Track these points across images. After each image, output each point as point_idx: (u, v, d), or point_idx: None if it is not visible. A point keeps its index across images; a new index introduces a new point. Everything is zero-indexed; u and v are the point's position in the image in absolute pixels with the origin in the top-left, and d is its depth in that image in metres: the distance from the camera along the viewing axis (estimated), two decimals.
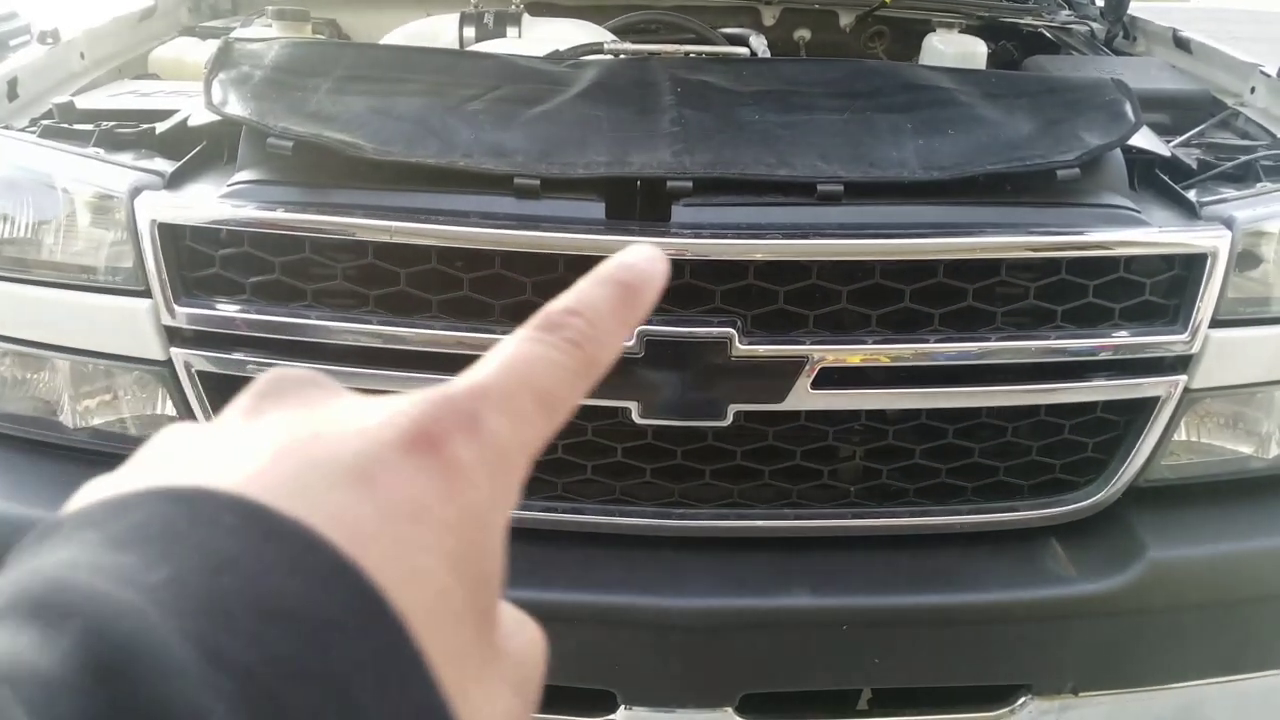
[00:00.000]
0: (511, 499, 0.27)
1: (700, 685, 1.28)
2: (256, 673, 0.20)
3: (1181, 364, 1.29)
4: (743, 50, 1.96)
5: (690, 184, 1.20)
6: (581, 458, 1.26)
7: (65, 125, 1.38)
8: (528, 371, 0.28)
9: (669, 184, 1.20)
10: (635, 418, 1.21)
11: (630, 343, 1.19)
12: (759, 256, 1.18)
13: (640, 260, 0.32)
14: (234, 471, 0.24)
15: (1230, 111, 1.67)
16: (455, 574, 0.24)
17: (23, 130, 1.37)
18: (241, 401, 0.28)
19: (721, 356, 1.19)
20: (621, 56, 1.75)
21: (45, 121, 1.40)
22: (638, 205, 1.23)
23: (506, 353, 0.28)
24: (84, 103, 1.47)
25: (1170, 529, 1.32)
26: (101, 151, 1.31)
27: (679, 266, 1.18)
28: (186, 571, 0.21)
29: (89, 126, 1.36)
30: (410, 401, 0.26)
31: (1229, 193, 1.34)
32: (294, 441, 0.25)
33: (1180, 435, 1.34)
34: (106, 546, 0.21)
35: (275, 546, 0.22)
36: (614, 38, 1.92)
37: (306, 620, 0.21)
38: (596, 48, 1.79)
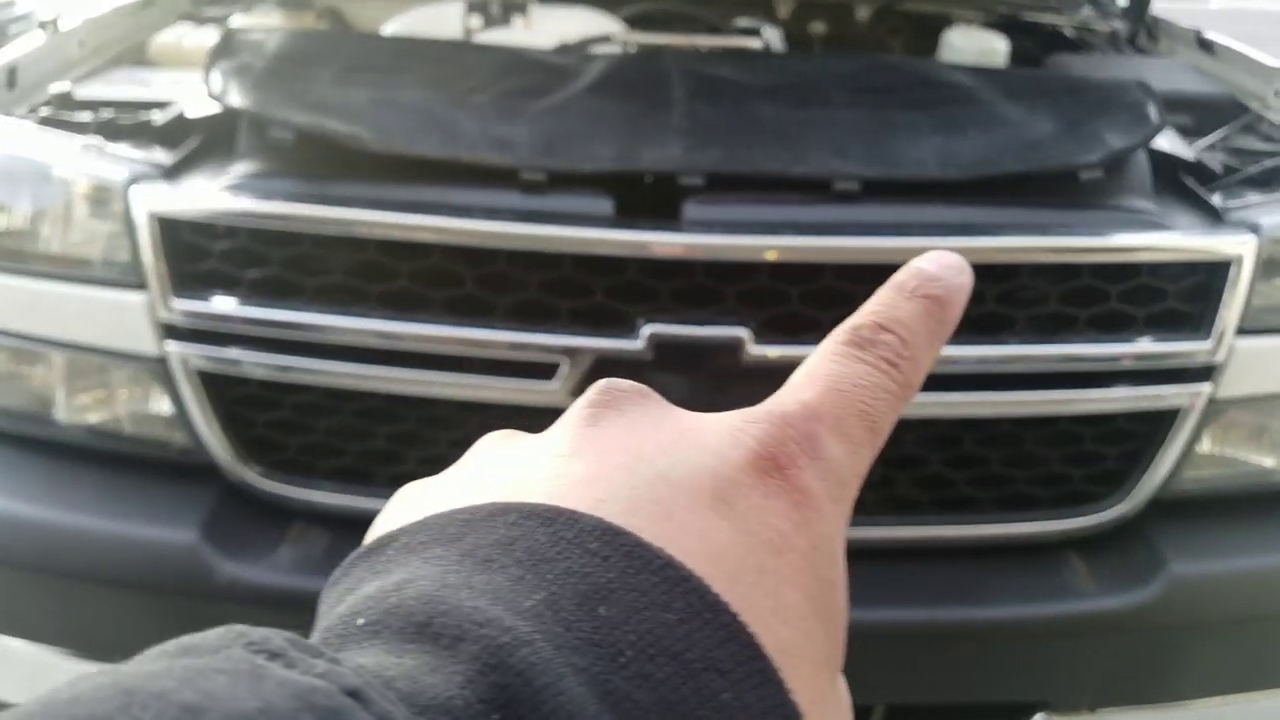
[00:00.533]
0: (845, 528, 0.25)
1: None
2: (648, 717, 0.19)
3: (1205, 373, 1.25)
4: (756, 42, 1.92)
5: (701, 180, 1.17)
6: None
7: (63, 114, 1.35)
8: (854, 393, 0.26)
9: (679, 180, 1.17)
10: None
11: (638, 344, 1.15)
12: (772, 256, 1.15)
13: (947, 271, 0.29)
14: (587, 490, 0.23)
15: (1254, 115, 1.63)
16: (814, 612, 0.23)
17: (21, 118, 1.34)
18: (575, 412, 0.27)
19: (733, 359, 1.16)
20: (632, 49, 1.72)
21: (43, 110, 1.37)
22: (647, 202, 1.20)
23: (825, 370, 0.27)
24: (82, 91, 1.44)
25: (1192, 543, 1.28)
26: (100, 139, 1.28)
27: (689, 266, 1.14)
28: (562, 599, 0.20)
29: (87, 116, 1.33)
30: (747, 419, 0.25)
31: (1254, 198, 1.31)
32: (644, 459, 0.24)
33: (1204, 446, 1.30)
34: (470, 565, 0.20)
35: (646, 579, 0.20)
36: (625, 28, 1.89)
37: (690, 661, 0.20)
38: (606, 39, 1.75)
